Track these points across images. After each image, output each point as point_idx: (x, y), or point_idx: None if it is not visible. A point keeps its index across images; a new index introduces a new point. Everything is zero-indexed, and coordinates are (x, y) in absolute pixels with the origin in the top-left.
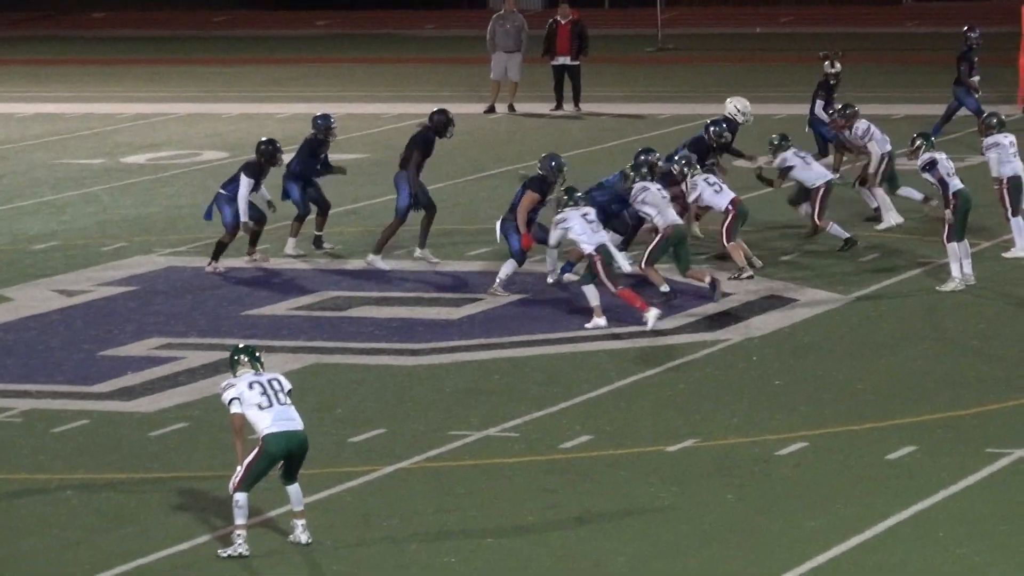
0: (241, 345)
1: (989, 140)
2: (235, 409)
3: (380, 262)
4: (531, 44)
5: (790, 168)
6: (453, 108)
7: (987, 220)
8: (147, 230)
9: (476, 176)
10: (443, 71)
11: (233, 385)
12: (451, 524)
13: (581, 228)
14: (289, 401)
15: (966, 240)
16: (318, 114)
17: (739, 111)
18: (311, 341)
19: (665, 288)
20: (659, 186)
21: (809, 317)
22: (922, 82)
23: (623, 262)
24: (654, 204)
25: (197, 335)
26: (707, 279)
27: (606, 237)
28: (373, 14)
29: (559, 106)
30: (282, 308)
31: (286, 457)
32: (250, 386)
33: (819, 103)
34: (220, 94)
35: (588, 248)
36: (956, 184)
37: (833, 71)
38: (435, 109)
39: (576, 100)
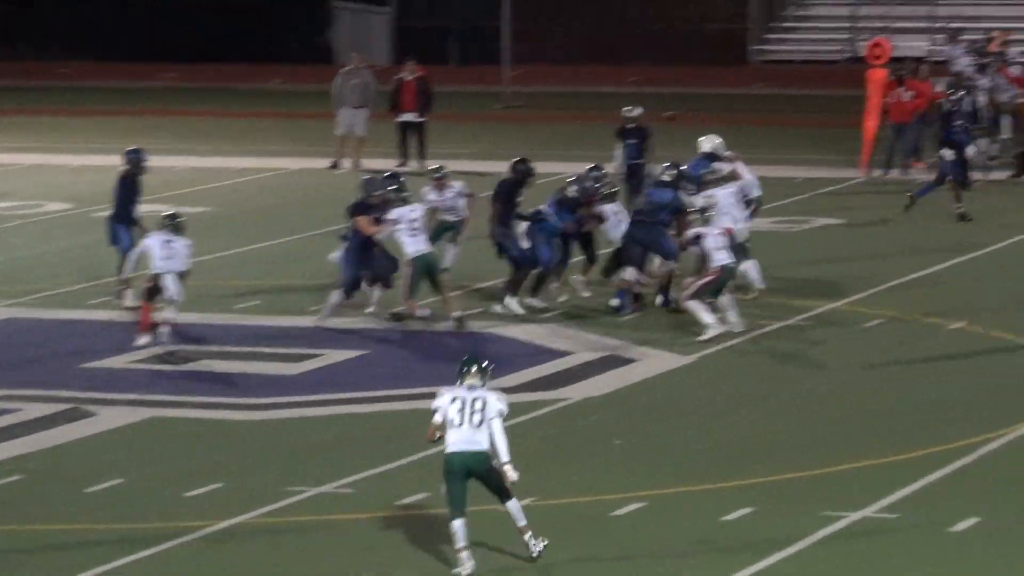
0: (468, 356)
1: None
2: (434, 419)
3: (515, 305)
4: (378, 100)
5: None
6: (299, 164)
7: (837, 279)
8: None
9: (320, 232)
10: (289, 126)
11: (442, 395)
12: None
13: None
14: (481, 423)
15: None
16: (130, 148)
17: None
18: (149, 395)
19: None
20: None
21: (649, 377)
22: (768, 144)
23: None
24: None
25: (34, 387)
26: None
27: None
28: (221, 67)
29: (404, 162)
30: (120, 361)
31: (468, 476)
32: (452, 400)
33: None
34: (66, 145)
35: None
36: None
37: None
38: (516, 159)
39: (422, 156)
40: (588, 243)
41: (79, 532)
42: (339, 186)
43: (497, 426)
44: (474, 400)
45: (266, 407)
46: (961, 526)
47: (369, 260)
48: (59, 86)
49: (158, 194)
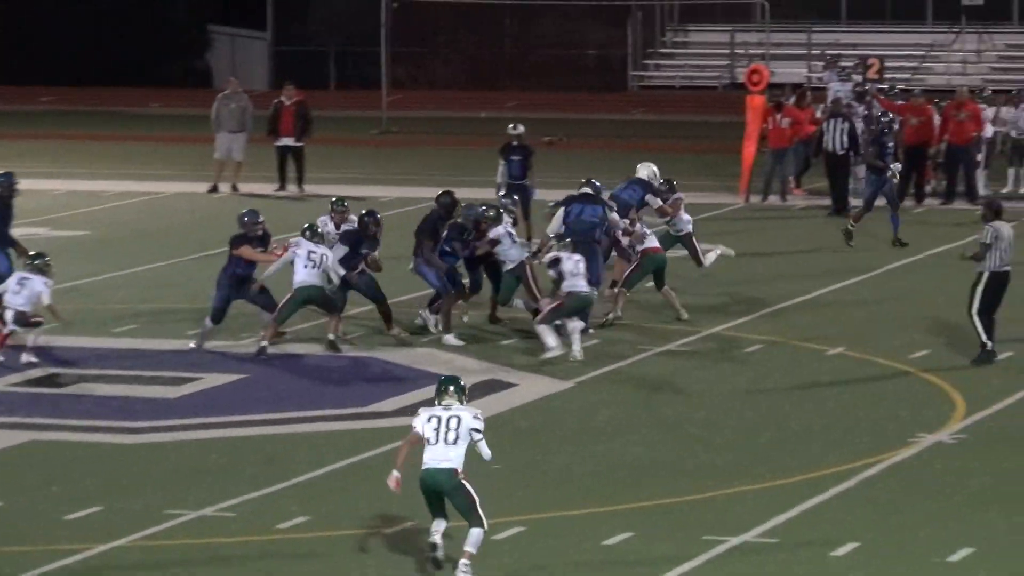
0: (445, 376)
1: None
2: (410, 436)
3: (453, 340)
4: (256, 124)
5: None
6: (177, 187)
7: (717, 304)
8: None
9: (198, 255)
10: (167, 149)
11: (420, 415)
12: None
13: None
14: (455, 441)
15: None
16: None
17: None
18: (28, 417)
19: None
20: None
21: (529, 402)
22: None
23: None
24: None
25: None
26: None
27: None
28: (98, 91)
29: (282, 186)
30: (0, 384)
31: (434, 493)
32: (428, 419)
33: None
34: None
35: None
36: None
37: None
38: (441, 191)
39: (300, 181)
40: (494, 270)
41: None
42: (217, 210)
43: (481, 445)
44: (449, 418)
45: (146, 430)
46: (841, 551)
47: (245, 292)
48: None
49: (36, 217)
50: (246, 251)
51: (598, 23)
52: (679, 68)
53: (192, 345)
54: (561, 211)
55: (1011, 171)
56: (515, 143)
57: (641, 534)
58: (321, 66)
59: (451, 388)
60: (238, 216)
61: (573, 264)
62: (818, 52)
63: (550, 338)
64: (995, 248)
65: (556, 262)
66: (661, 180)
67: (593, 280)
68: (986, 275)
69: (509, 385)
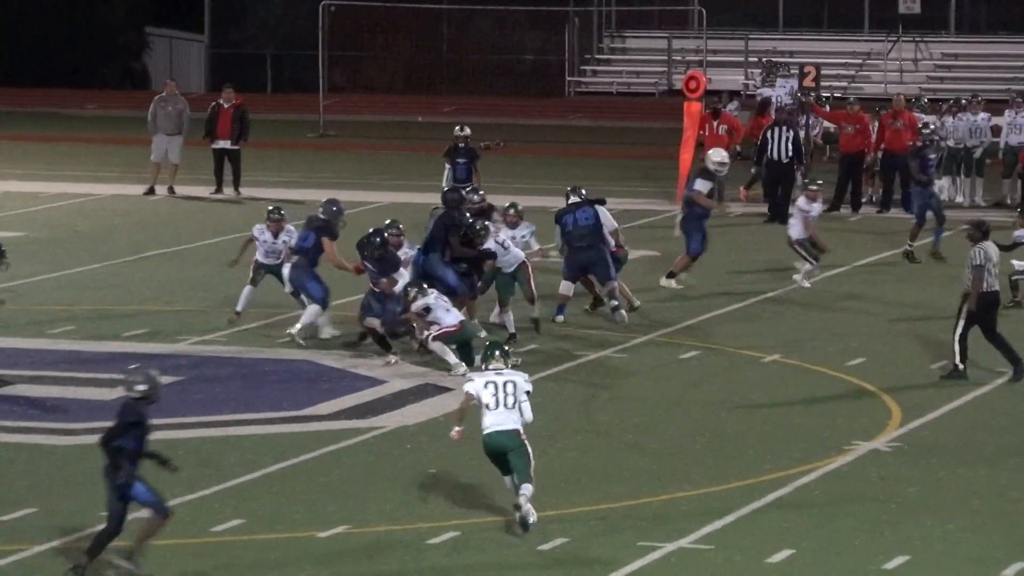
0: (491, 342)
1: None
2: (465, 399)
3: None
4: (193, 127)
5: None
6: (113, 189)
7: (652, 311)
8: None
9: (134, 257)
10: (104, 151)
11: (473, 380)
12: None
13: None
14: (514, 405)
15: None
16: None
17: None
18: None
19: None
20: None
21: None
22: (585, 175)
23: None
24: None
25: None
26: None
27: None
28: (34, 92)
29: (219, 189)
30: None
31: (500, 454)
32: (485, 385)
33: None
34: None
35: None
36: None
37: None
38: (447, 188)
39: (236, 184)
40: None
41: None
42: (154, 212)
43: (526, 406)
44: (505, 383)
45: (81, 432)
46: (776, 557)
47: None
48: None
49: None
50: (331, 248)
51: (535, 28)
52: (616, 74)
53: (301, 342)
54: (557, 228)
55: (946, 180)
56: (461, 145)
57: (575, 539)
58: (258, 69)
59: (498, 353)
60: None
61: (439, 302)
62: (755, 59)
63: (450, 356)
64: (985, 269)
65: (427, 310)
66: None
67: (606, 277)
68: (974, 297)
69: (444, 389)
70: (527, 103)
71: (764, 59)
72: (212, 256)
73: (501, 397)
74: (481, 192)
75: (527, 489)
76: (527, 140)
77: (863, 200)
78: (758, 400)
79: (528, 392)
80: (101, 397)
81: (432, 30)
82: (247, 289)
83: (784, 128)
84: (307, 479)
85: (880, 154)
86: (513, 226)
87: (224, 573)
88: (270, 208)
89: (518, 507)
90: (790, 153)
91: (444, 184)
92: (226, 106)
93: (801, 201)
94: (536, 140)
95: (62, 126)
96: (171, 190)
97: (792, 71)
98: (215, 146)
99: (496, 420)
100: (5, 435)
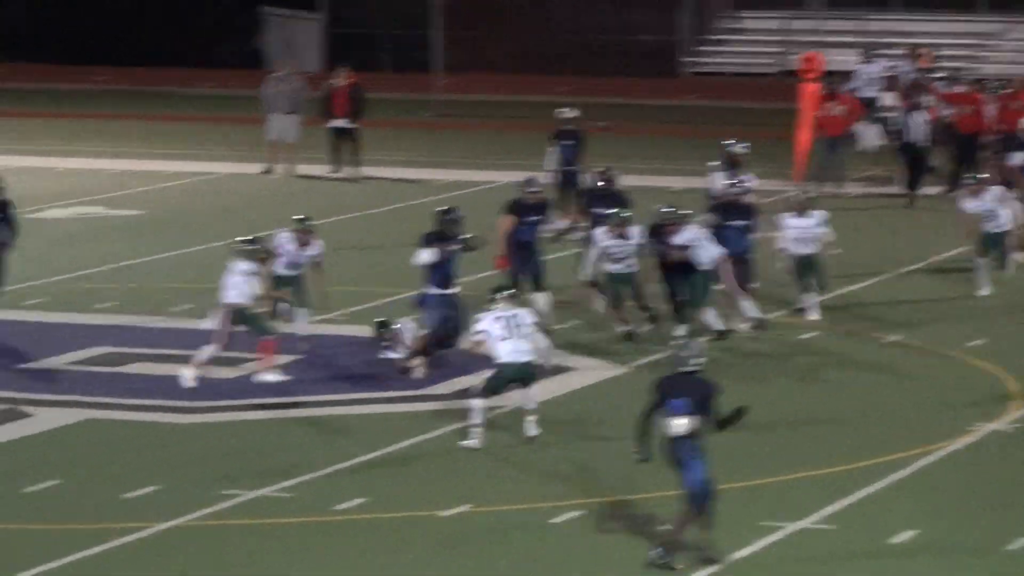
0: (497, 286)
1: None
2: (476, 338)
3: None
4: (309, 106)
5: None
6: (231, 168)
7: (774, 293)
8: None
9: (252, 236)
10: (221, 130)
11: (482, 319)
12: None
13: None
14: (528, 333)
15: None
16: None
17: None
18: (87, 396)
19: None
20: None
21: (586, 386)
22: (699, 156)
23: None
24: None
25: None
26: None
27: None
28: (152, 71)
29: (337, 168)
30: (58, 362)
31: (515, 380)
32: (495, 319)
33: None
34: None
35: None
36: None
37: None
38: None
39: (355, 163)
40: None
41: (15, 532)
42: (272, 190)
43: (538, 335)
44: (514, 316)
45: (203, 410)
46: (899, 538)
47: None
48: None
49: (91, 196)
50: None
51: (651, 9)
52: (732, 55)
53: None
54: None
55: None
56: (567, 128)
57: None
58: (373, 49)
59: (504, 294)
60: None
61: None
62: (871, 40)
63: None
64: None
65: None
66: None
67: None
68: None
69: (566, 369)
70: (642, 84)
71: (879, 40)
72: (330, 236)
73: (512, 328)
74: (612, 171)
75: (535, 392)
76: (641, 121)
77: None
78: (879, 381)
79: (534, 323)
80: (224, 375)
81: (547, 9)
82: (282, 307)
83: (920, 111)
84: (430, 458)
85: (999, 136)
86: (622, 236)
87: (346, 551)
88: (298, 217)
89: (531, 412)
90: (929, 136)
91: (548, 167)
92: (341, 85)
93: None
94: (651, 120)
95: (180, 105)
96: (289, 169)
97: (890, 52)
98: (332, 125)
99: (512, 349)
100: (127, 413)
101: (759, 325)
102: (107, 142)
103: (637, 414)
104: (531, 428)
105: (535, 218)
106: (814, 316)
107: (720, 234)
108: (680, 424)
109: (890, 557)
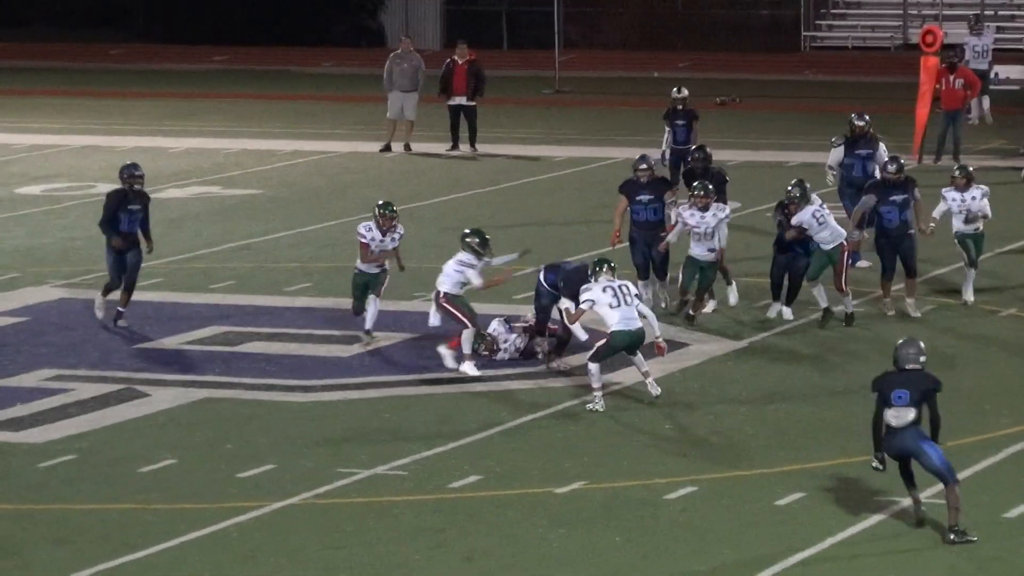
0: (598, 259)
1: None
2: (584, 307)
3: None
4: (428, 84)
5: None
6: (349, 147)
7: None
8: (40, 261)
9: (370, 215)
10: (339, 109)
11: (590, 289)
12: (338, 561)
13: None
14: (634, 303)
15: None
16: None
17: None
18: (202, 375)
19: None
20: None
21: (699, 363)
22: (820, 131)
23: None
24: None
25: (87, 367)
26: None
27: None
28: (270, 51)
29: (455, 146)
30: (174, 342)
31: (626, 347)
32: (604, 290)
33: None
34: (115, 127)
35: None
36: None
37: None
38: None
39: (472, 140)
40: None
41: (132, 512)
42: (390, 169)
43: (644, 307)
44: (621, 287)
45: (318, 389)
46: (1013, 512)
47: None
48: (108, 68)
49: (208, 176)
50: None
51: None
52: (851, 28)
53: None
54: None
55: None
56: (679, 107)
57: (812, 494)
58: (493, 26)
59: (606, 267)
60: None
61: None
62: (991, 13)
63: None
64: None
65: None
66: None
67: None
68: None
69: (680, 345)
70: (761, 58)
71: (999, 13)
72: (447, 213)
73: (621, 297)
74: (706, 149)
75: (639, 358)
76: (761, 95)
77: None
78: (994, 355)
79: (639, 296)
80: (338, 354)
81: None
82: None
83: None
84: (543, 436)
85: None
86: (704, 208)
87: (462, 528)
88: (380, 203)
89: (647, 375)
90: None
91: (664, 147)
92: (460, 62)
93: None
94: (770, 95)
95: (297, 84)
96: (407, 147)
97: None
98: (451, 103)
99: (623, 316)
100: (244, 392)
101: (846, 318)
102: (224, 122)
103: (750, 391)
104: (654, 388)
105: (647, 197)
106: (968, 297)
107: (878, 212)
108: (904, 415)
109: (1005, 530)
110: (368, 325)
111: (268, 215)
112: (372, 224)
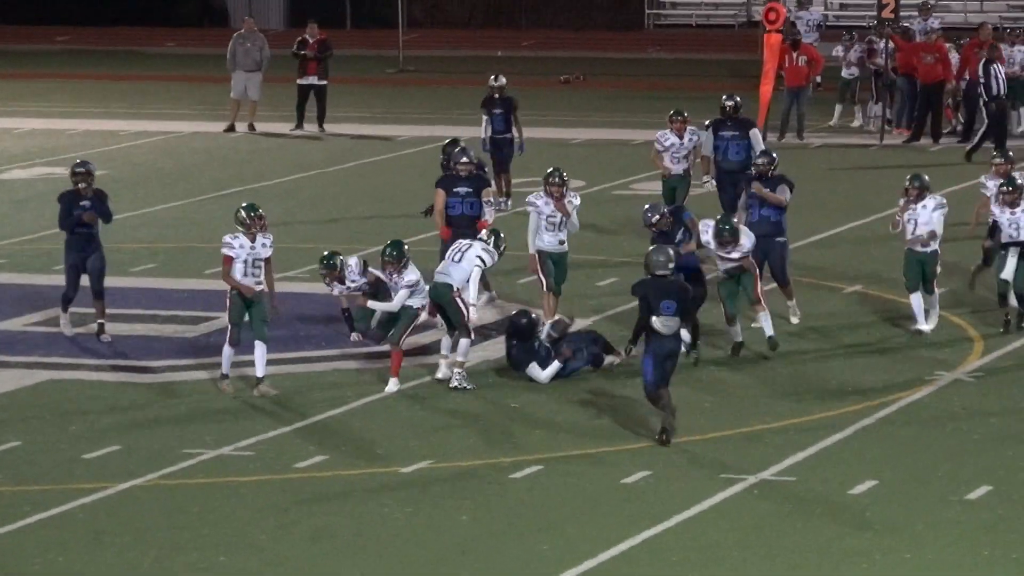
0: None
1: None
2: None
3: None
4: (271, 64)
5: None
6: (193, 127)
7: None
8: None
9: (215, 195)
10: (183, 89)
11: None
12: (184, 542)
13: None
14: (460, 260)
15: None
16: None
17: None
18: (47, 357)
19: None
20: None
21: None
22: (665, 108)
23: None
24: None
25: None
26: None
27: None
28: (113, 31)
29: (299, 125)
30: (17, 323)
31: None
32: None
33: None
34: None
35: None
36: None
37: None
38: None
39: (320, 120)
40: None
41: None
42: (234, 149)
43: (475, 273)
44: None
45: (163, 369)
46: (859, 488)
47: None
48: None
49: (52, 157)
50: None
51: None
52: (695, 7)
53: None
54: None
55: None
56: (497, 95)
57: (658, 472)
58: (337, 5)
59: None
60: None
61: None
62: None
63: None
64: None
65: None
66: None
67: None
68: None
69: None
70: (606, 36)
71: None
72: (292, 193)
73: (451, 253)
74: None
75: (464, 345)
76: (605, 73)
77: (944, 131)
78: (839, 331)
79: (482, 262)
80: (184, 335)
81: None
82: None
83: (996, 64)
84: (389, 415)
85: (963, 84)
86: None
87: (308, 508)
88: (244, 205)
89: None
90: (1004, 89)
91: (482, 135)
92: (311, 41)
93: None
94: (614, 73)
95: (141, 64)
96: (251, 127)
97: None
98: (302, 82)
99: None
100: (88, 373)
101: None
102: (69, 102)
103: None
104: (461, 381)
105: (464, 190)
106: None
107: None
108: (672, 323)
109: (850, 507)
110: (259, 372)
111: (113, 196)
112: (238, 234)
